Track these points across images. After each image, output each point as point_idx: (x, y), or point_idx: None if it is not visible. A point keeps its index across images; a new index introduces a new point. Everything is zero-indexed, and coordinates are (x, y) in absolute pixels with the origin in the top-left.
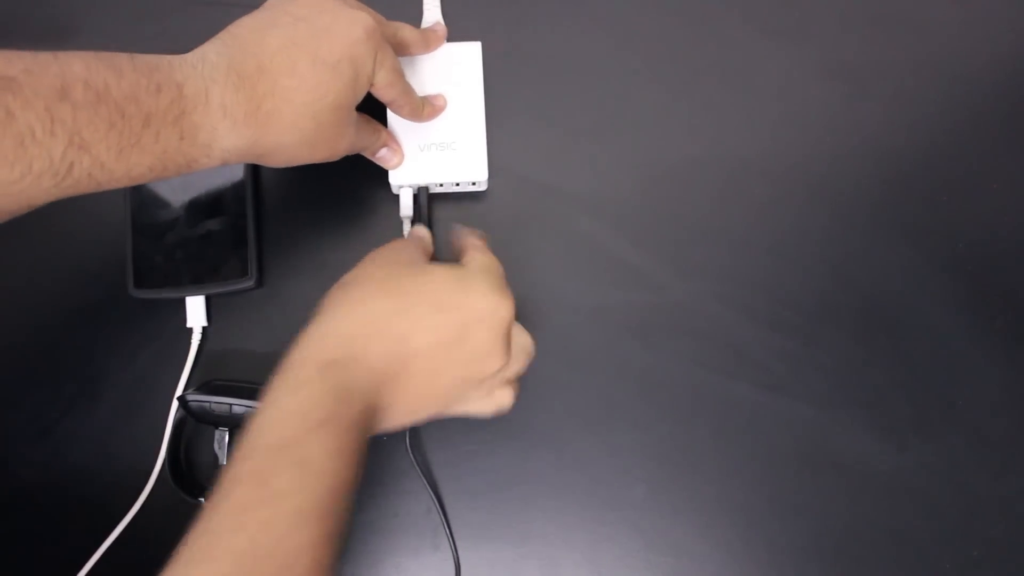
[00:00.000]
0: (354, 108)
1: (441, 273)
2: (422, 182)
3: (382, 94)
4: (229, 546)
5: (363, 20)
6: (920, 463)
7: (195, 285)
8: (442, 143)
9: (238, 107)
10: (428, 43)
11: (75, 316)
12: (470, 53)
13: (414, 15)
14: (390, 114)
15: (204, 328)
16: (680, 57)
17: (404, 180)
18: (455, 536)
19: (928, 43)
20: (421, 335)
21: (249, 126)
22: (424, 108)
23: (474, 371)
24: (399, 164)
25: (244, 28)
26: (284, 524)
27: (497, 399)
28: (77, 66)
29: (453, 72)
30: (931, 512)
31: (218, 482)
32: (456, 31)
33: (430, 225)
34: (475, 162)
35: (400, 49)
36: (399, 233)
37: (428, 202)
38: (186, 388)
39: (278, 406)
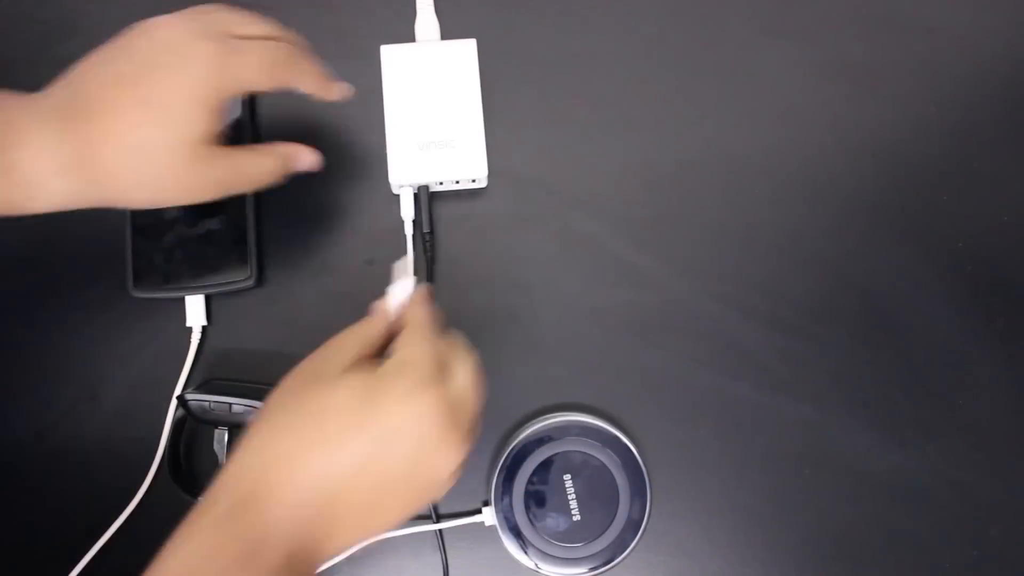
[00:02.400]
0: (208, 145)
1: (346, 390)
2: (422, 181)
3: (268, 91)
4: None
5: (198, 53)
6: (920, 463)
7: (195, 284)
8: (441, 141)
9: (65, 149)
10: (274, 78)
11: (75, 316)
12: (465, 50)
13: (408, 14)
14: (387, 113)
15: (204, 327)
16: (680, 56)
17: (404, 179)
18: (453, 537)
19: (928, 43)
20: (338, 467)
21: (81, 170)
22: (333, 87)
23: (423, 481)
24: (314, 161)
25: (88, 63)
26: None
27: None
28: None
29: (449, 70)
30: (931, 512)
31: None
32: (451, 29)
33: (431, 225)
34: (474, 159)
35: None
36: (400, 233)
37: (429, 201)
38: (185, 387)
39: (197, 544)
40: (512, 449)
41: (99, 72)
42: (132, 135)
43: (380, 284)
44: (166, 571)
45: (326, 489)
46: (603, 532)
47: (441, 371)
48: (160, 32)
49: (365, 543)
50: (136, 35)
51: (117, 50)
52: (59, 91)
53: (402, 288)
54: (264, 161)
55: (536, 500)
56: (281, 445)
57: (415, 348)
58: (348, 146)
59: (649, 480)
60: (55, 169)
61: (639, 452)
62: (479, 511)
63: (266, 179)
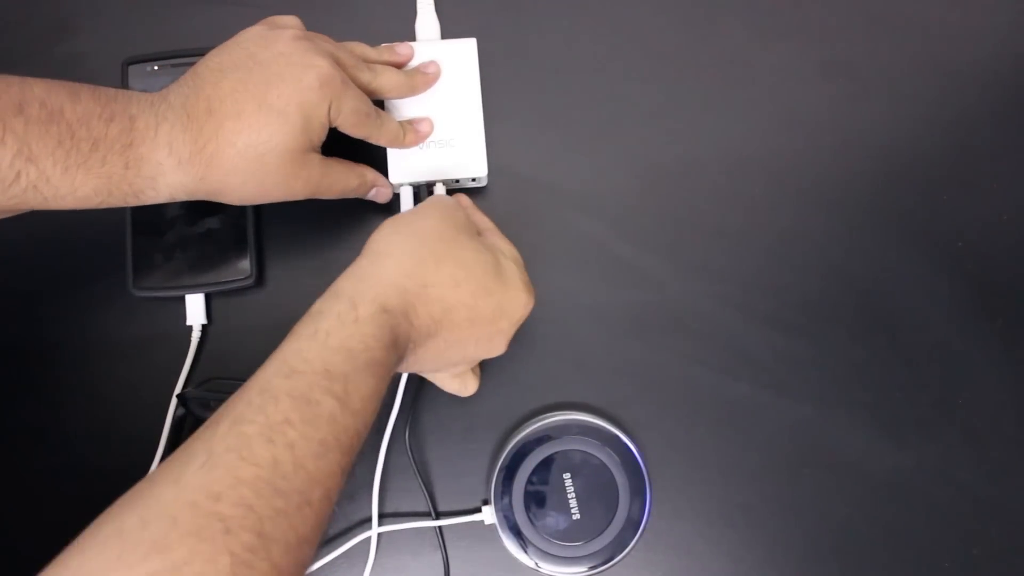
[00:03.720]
0: (310, 152)
1: (489, 255)
2: (422, 180)
3: (350, 133)
4: (256, 455)
5: (318, 68)
6: (920, 463)
7: (195, 283)
8: (441, 140)
9: (183, 146)
10: (414, 86)
11: (75, 315)
12: (465, 50)
13: (408, 13)
14: (388, 112)
15: (204, 326)
16: (680, 56)
17: (404, 178)
18: (453, 536)
19: (928, 43)
20: (461, 311)
21: (194, 165)
22: (406, 136)
23: (480, 351)
24: (387, 197)
25: (208, 67)
26: (309, 450)
27: (469, 379)
28: (38, 88)
29: (449, 69)
30: (931, 512)
31: (254, 385)
32: (452, 28)
33: None
34: (474, 158)
35: (378, 93)
36: None
37: None
38: (186, 386)
39: (327, 335)
40: (512, 448)
41: (223, 77)
42: (247, 136)
43: None
44: (312, 349)
45: (442, 323)
46: (603, 531)
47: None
48: (281, 46)
49: (417, 372)
50: (258, 45)
51: (240, 58)
52: (179, 90)
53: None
54: (350, 177)
55: (536, 499)
56: (432, 276)
57: (515, 250)
58: (348, 145)
59: (649, 479)
60: (175, 162)
61: (639, 451)
62: (479, 510)
63: (348, 194)
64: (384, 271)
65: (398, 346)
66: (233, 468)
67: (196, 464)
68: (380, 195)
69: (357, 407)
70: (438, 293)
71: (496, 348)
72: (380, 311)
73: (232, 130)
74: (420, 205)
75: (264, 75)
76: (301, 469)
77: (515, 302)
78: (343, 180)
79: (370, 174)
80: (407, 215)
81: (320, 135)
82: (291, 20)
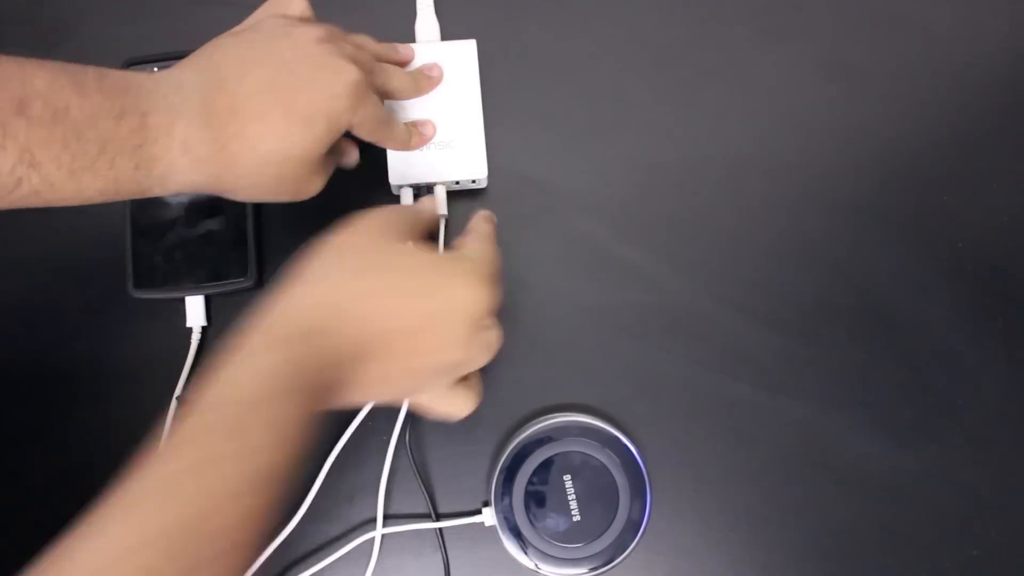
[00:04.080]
0: (324, 156)
1: (424, 256)
2: (422, 181)
3: (363, 138)
4: (186, 486)
5: (347, 74)
6: (920, 463)
7: (195, 285)
8: (441, 142)
9: (201, 145)
10: (419, 88)
11: (75, 316)
12: (465, 51)
13: (408, 14)
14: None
15: (204, 328)
16: (679, 56)
17: (404, 180)
18: (454, 537)
19: (928, 43)
20: (389, 319)
21: (209, 165)
22: (412, 139)
23: (430, 361)
24: (356, 161)
25: (229, 57)
26: (213, 498)
27: (456, 399)
28: (40, 81)
29: (449, 70)
30: (931, 512)
31: (182, 422)
32: (451, 29)
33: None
34: (474, 159)
35: (389, 95)
36: None
37: None
38: (185, 387)
39: (247, 365)
40: (512, 449)
41: (247, 73)
42: (271, 142)
43: None
44: (232, 379)
45: (387, 334)
46: (603, 532)
47: (497, 276)
48: (308, 47)
49: (367, 402)
50: (282, 43)
51: (264, 54)
52: (195, 79)
53: (441, 196)
54: (338, 158)
55: (536, 500)
56: (358, 285)
57: (487, 250)
58: None
59: (649, 480)
60: (189, 161)
61: (639, 452)
62: (479, 511)
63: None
64: (297, 294)
65: (309, 375)
66: (147, 517)
67: (117, 515)
68: (349, 158)
69: (287, 433)
70: (358, 310)
71: (470, 352)
72: (299, 336)
73: (256, 134)
74: (349, 219)
75: (292, 78)
76: (210, 518)
77: (460, 300)
78: (336, 163)
79: (343, 143)
80: (329, 234)
81: (336, 140)
82: (302, 5)
